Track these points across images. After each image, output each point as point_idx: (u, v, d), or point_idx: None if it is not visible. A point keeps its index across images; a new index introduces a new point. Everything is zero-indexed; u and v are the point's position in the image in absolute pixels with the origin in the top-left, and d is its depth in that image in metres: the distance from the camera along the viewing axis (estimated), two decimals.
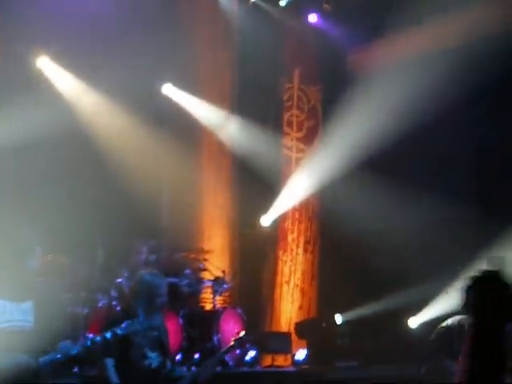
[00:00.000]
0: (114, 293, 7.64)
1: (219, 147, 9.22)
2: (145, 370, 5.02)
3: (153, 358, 5.06)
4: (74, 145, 8.29)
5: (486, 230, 8.49)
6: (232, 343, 5.38)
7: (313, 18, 9.76)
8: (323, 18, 9.74)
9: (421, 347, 8.05)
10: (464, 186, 9.66)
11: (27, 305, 4.63)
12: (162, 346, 5.18)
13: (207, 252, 8.38)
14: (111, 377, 4.92)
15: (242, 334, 5.53)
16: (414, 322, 8.54)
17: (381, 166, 9.11)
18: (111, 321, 5.17)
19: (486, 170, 9.51)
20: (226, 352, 5.50)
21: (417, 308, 8.54)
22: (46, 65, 8.66)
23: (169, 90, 9.25)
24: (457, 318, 6.13)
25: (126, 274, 7.83)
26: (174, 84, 9.22)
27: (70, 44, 8.33)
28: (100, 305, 7.51)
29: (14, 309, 4.58)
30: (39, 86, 8.41)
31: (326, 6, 9.63)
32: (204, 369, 5.33)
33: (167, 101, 9.16)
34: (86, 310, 7.23)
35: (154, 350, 5.10)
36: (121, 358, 4.94)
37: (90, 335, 7.08)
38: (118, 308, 7.49)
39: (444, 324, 6.49)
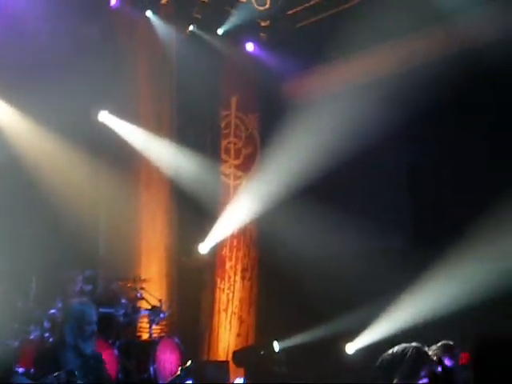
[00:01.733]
0: (47, 324, 7.48)
1: (157, 174, 9.19)
2: None
3: None
4: (7, 174, 8.15)
5: (418, 258, 8.67)
6: (178, 373, 5.35)
7: (250, 46, 9.87)
8: (260, 46, 9.86)
9: (361, 373, 8.14)
10: (398, 215, 9.84)
11: None
12: (97, 378, 5.10)
13: (144, 280, 8.30)
14: None
15: (189, 363, 5.52)
16: (350, 348, 8.62)
17: (318, 192, 9.21)
18: (42, 354, 5.11)
19: (419, 199, 9.72)
20: (173, 382, 5.44)
21: (353, 334, 8.63)
22: None
23: (106, 117, 9.18)
24: (402, 346, 6.23)
25: (60, 305, 7.69)
26: (112, 111, 9.16)
27: (2, 68, 8.22)
28: (32, 337, 7.34)
29: None
30: None
31: (262, 34, 9.76)
32: None
33: (104, 128, 9.09)
34: (16, 343, 7.06)
35: (89, 380, 5.03)
36: None
37: (20, 369, 6.94)
38: (51, 339, 7.35)
39: (390, 351, 6.56)
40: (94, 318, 5.27)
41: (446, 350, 6.46)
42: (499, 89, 8.48)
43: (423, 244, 9.09)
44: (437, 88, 8.30)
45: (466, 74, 8.20)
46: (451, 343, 6.43)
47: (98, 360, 5.27)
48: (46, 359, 5.16)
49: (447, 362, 6.55)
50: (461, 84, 8.31)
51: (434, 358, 6.28)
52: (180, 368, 5.44)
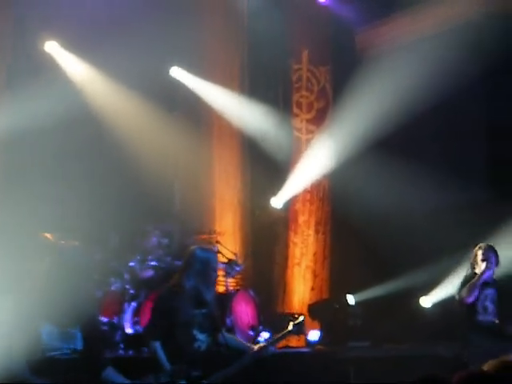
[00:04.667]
0: (126, 275, 7.70)
1: (230, 130, 9.23)
2: (193, 353, 4.86)
3: (202, 341, 4.90)
4: (87, 130, 8.34)
5: (498, 214, 8.48)
6: (290, 328, 5.16)
7: None
8: None
9: (435, 326, 8.10)
10: (476, 169, 9.64)
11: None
12: (212, 324, 5.00)
13: (219, 234, 8.39)
14: (161, 360, 4.77)
15: (301, 318, 5.32)
16: (425, 302, 8.56)
17: (392, 146, 9.08)
18: (160, 299, 5.06)
19: (498, 152, 9.47)
20: (283, 337, 5.24)
21: (428, 288, 8.56)
22: (55, 50, 8.68)
23: (178, 73, 9.24)
24: None
25: (139, 258, 7.89)
26: (185, 68, 9.22)
27: (80, 29, 8.35)
28: (113, 288, 7.57)
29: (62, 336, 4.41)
30: (51, 71, 8.44)
31: None
32: (263, 348, 5.08)
33: (177, 85, 9.15)
34: (99, 293, 7.28)
35: (204, 331, 4.94)
36: (167, 341, 4.80)
37: (104, 318, 7.17)
38: (131, 291, 7.56)
39: None
40: (217, 264, 5.19)
41: None
42: None
43: (500, 198, 8.90)
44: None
45: None
46: None
47: (213, 308, 5.08)
48: (159, 307, 4.99)
49: None
50: None
51: None
52: (292, 323, 5.18)
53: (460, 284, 6.86)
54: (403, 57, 8.97)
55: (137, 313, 7.46)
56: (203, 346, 4.89)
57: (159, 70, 8.88)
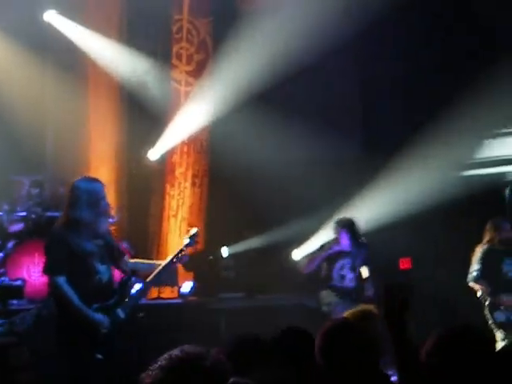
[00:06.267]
0: None
1: (106, 78, 8.98)
2: (95, 285, 4.71)
3: (102, 272, 4.74)
4: None
5: (369, 169, 8.80)
6: (186, 241, 5.11)
7: None
8: None
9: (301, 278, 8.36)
10: (350, 125, 9.91)
11: None
12: (112, 254, 4.86)
13: None
14: (69, 295, 4.58)
15: (195, 230, 5.25)
16: (296, 255, 8.81)
17: (271, 100, 9.17)
18: (54, 234, 4.81)
19: (370, 110, 9.77)
20: (181, 252, 5.11)
21: (300, 241, 8.81)
22: None
23: (52, 17, 8.86)
24: None
25: (6, 207, 7.66)
26: (59, 11, 8.85)
27: None
28: None
29: None
30: None
31: None
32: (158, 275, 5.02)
33: (50, 29, 8.79)
34: None
35: (104, 262, 4.78)
36: (68, 276, 4.61)
37: None
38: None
39: None
40: (104, 193, 4.88)
41: None
42: None
43: (374, 153, 9.21)
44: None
45: None
46: None
47: (109, 238, 4.92)
48: (55, 242, 4.73)
49: None
50: None
51: None
52: (185, 236, 5.19)
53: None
54: (283, 13, 9.02)
55: (2, 264, 7.27)
56: (105, 278, 4.75)
57: (31, 12, 8.49)
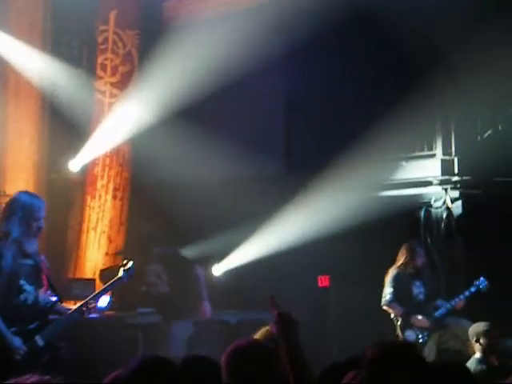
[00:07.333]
0: None
1: (27, 87, 8.79)
2: (19, 305, 4.59)
3: (29, 292, 4.65)
4: None
5: (291, 185, 8.93)
6: (120, 275, 5.11)
7: None
8: None
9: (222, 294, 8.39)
10: (274, 142, 10.04)
11: None
12: (38, 277, 4.75)
13: (9, 196, 8.01)
14: None
15: (131, 263, 5.18)
16: (216, 270, 8.83)
17: (194, 116, 9.22)
18: None
19: (293, 130, 9.93)
20: (113, 285, 5.26)
21: (219, 257, 8.84)
22: None
23: None
24: None
25: None
26: None
27: None
28: None
29: None
30: None
31: None
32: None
33: None
34: None
35: (31, 283, 4.68)
36: None
37: None
38: None
39: None
40: (43, 214, 4.82)
41: None
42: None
43: (296, 172, 9.36)
44: (320, 18, 8.38)
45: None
46: None
47: (39, 260, 4.85)
48: None
49: None
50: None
51: None
52: (121, 269, 5.15)
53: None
54: (211, 29, 9.09)
55: None
56: (30, 299, 4.64)
57: None
